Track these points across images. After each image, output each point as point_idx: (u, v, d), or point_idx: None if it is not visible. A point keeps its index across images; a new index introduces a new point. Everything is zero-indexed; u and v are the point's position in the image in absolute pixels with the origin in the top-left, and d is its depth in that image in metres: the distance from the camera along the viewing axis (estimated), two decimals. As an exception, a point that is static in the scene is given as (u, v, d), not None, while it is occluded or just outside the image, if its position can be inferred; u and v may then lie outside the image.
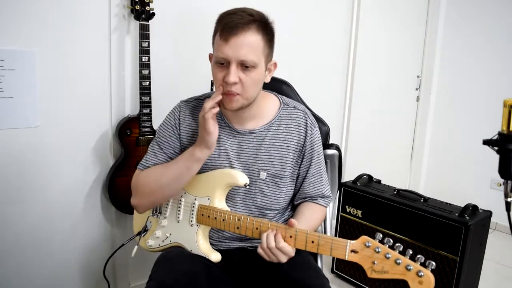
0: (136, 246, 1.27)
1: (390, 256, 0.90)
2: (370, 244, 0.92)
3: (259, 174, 1.18)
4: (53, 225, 1.67)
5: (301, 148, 1.20)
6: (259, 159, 1.17)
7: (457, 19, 3.18)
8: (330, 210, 1.38)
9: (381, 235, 0.93)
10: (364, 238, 0.93)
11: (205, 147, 1.10)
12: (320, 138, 1.25)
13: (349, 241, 0.95)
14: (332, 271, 2.29)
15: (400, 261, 0.89)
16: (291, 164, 1.19)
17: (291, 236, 1.02)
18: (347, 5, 2.59)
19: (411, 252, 0.89)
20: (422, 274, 0.86)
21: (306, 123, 1.20)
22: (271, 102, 1.22)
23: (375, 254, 0.92)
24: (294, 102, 1.25)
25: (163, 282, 1.05)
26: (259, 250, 1.03)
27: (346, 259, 0.95)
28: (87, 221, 1.76)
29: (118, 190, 1.73)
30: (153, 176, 1.17)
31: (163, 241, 1.24)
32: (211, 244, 1.20)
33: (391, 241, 0.92)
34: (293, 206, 1.29)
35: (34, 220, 1.62)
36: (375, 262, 0.91)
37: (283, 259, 1.02)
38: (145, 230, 1.27)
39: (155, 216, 1.26)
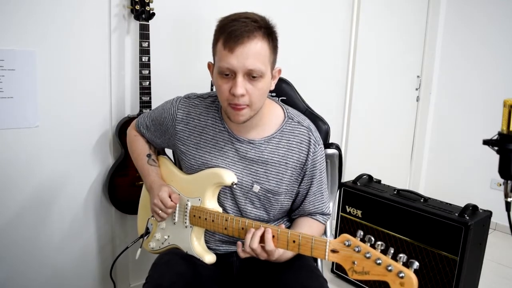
0: (139, 249, 1.27)
1: (370, 255, 0.83)
2: (350, 243, 0.86)
3: (252, 186, 1.14)
4: (53, 225, 1.67)
5: (302, 166, 1.15)
6: (254, 171, 1.14)
7: (457, 19, 3.18)
8: (330, 210, 1.36)
9: (361, 233, 0.87)
10: (344, 236, 0.88)
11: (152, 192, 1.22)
12: (323, 155, 1.19)
13: (329, 240, 0.90)
14: (332, 271, 2.29)
15: (381, 261, 0.82)
16: (288, 181, 1.15)
17: (273, 236, 0.99)
18: (347, 4, 2.59)
19: (392, 251, 0.83)
20: (403, 275, 0.79)
21: (309, 141, 1.14)
22: (275, 113, 1.17)
23: (354, 253, 0.85)
24: (299, 116, 1.19)
25: (160, 284, 1.05)
26: (239, 249, 1.02)
27: (326, 259, 0.89)
28: (87, 221, 1.77)
29: (118, 190, 1.73)
30: (133, 145, 1.33)
31: (162, 243, 1.25)
32: (209, 248, 1.20)
33: (373, 239, 0.85)
34: (289, 218, 1.26)
35: (34, 220, 1.62)
36: (355, 262, 0.85)
37: (263, 257, 1.01)
38: (147, 232, 1.28)
39: (154, 218, 1.26)
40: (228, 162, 1.15)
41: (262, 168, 1.13)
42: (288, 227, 1.19)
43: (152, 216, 1.25)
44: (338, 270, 2.26)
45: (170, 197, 1.16)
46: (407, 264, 0.81)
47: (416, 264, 0.80)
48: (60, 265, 1.71)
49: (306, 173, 1.16)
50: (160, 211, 1.16)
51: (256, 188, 1.14)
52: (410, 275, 0.79)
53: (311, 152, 1.14)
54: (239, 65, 0.98)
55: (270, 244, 0.98)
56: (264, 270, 1.11)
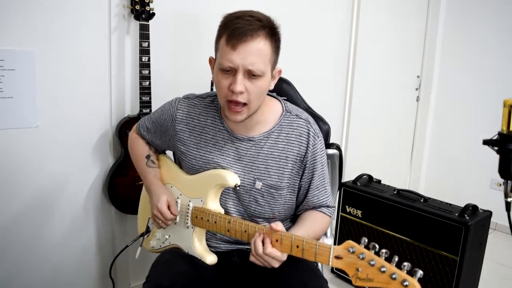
0: (139, 248, 1.27)
1: (374, 263, 0.84)
2: (354, 250, 0.86)
3: (255, 183, 1.14)
4: (53, 224, 1.67)
5: (302, 159, 1.14)
6: (255, 168, 1.13)
7: (457, 19, 3.18)
8: (334, 203, 1.34)
9: (366, 240, 0.87)
10: (348, 243, 0.88)
11: (150, 195, 1.23)
12: (323, 148, 1.19)
13: (333, 246, 0.90)
14: (332, 271, 2.29)
15: (385, 269, 0.82)
16: (289, 175, 1.15)
17: (277, 240, 0.98)
18: (347, 4, 2.59)
19: (397, 259, 0.83)
20: (407, 284, 0.79)
21: (309, 133, 1.14)
22: (273, 109, 1.17)
23: (359, 260, 0.86)
24: (297, 110, 1.19)
25: (160, 284, 1.05)
26: (251, 258, 1.01)
27: (330, 265, 0.90)
28: (87, 221, 1.76)
29: (118, 190, 1.72)
30: (133, 147, 1.34)
31: (163, 243, 1.25)
32: (210, 246, 1.20)
33: (377, 246, 0.86)
34: (294, 217, 1.25)
35: (34, 220, 1.62)
36: (359, 269, 0.85)
37: (274, 264, 0.99)
38: (147, 231, 1.28)
39: (155, 225, 1.26)
40: (228, 161, 1.15)
41: (262, 164, 1.13)
42: (290, 227, 1.19)
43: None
44: (338, 270, 2.26)
45: (169, 207, 1.17)
46: (411, 273, 0.81)
47: (420, 273, 0.80)
48: (60, 264, 1.71)
49: (307, 166, 1.15)
50: (160, 222, 1.18)
51: (259, 184, 1.13)
52: (414, 283, 0.80)
53: (311, 145, 1.14)
54: (240, 63, 0.99)
55: (268, 247, 0.98)
56: (265, 269, 1.11)
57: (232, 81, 1.01)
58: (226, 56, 0.99)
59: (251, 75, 1.01)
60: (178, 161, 1.35)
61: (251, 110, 1.06)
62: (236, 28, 0.98)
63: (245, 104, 1.04)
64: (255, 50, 0.99)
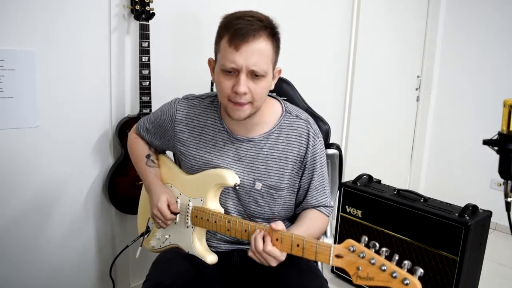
0: (140, 248, 1.27)
1: (375, 261, 0.83)
2: (354, 249, 0.86)
3: (254, 184, 1.13)
4: (53, 224, 1.67)
5: (302, 160, 1.14)
6: (255, 169, 1.13)
7: (457, 19, 3.19)
8: (333, 203, 1.34)
9: (366, 238, 0.87)
10: (348, 242, 0.88)
11: (150, 195, 1.22)
12: (323, 148, 1.19)
13: (333, 245, 0.90)
14: (332, 271, 2.29)
15: (386, 268, 0.82)
16: (289, 176, 1.15)
17: (277, 239, 0.98)
18: (347, 4, 2.59)
19: (397, 257, 0.83)
20: (408, 282, 0.79)
21: (308, 134, 1.14)
22: (273, 109, 1.17)
23: (359, 259, 0.85)
24: (297, 110, 1.19)
25: (160, 283, 1.05)
26: (250, 254, 1.01)
27: (331, 264, 0.90)
28: (87, 221, 1.76)
29: (118, 190, 1.73)
30: (133, 147, 1.33)
31: (163, 242, 1.25)
32: (210, 246, 1.20)
33: (377, 245, 0.85)
34: (293, 217, 1.25)
35: (34, 220, 1.62)
36: (360, 268, 0.85)
37: (272, 262, 0.99)
38: (147, 231, 1.28)
39: (155, 225, 1.26)
40: (228, 162, 1.15)
41: (262, 165, 1.13)
42: (289, 227, 1.19)
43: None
44: (338, 270, 2.26)
45: (169, 206, 1.17)
46: (411, 271, 0.81)
47: (420, 271, 0.80)
48: (60, 264, 1.71)
49: (307, 166, 1.15)
50: (160, 221, 1.18)
51: (258, 185, 1.13)
52: (415, 282, 0.80)
53: (311, 145, 1.14)
54: (243, 63, 0.98)
55: (268, 245, 0.98)
56: (265, 269, 1.10)
57: (235, 82, 1.01)
58: (228, 57, 0.99)
59: (254, 75, 1.01)
60: (178, 161, 1.35)
61: (254, 109, 1.06)
62: (238, 29, 0.98)
63: (249, 102, 1.04)
64: (257, 51, 0.99)
